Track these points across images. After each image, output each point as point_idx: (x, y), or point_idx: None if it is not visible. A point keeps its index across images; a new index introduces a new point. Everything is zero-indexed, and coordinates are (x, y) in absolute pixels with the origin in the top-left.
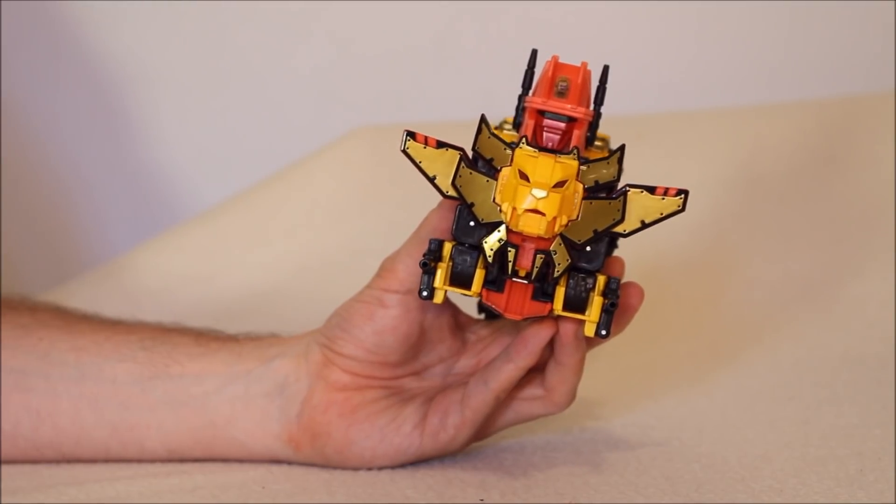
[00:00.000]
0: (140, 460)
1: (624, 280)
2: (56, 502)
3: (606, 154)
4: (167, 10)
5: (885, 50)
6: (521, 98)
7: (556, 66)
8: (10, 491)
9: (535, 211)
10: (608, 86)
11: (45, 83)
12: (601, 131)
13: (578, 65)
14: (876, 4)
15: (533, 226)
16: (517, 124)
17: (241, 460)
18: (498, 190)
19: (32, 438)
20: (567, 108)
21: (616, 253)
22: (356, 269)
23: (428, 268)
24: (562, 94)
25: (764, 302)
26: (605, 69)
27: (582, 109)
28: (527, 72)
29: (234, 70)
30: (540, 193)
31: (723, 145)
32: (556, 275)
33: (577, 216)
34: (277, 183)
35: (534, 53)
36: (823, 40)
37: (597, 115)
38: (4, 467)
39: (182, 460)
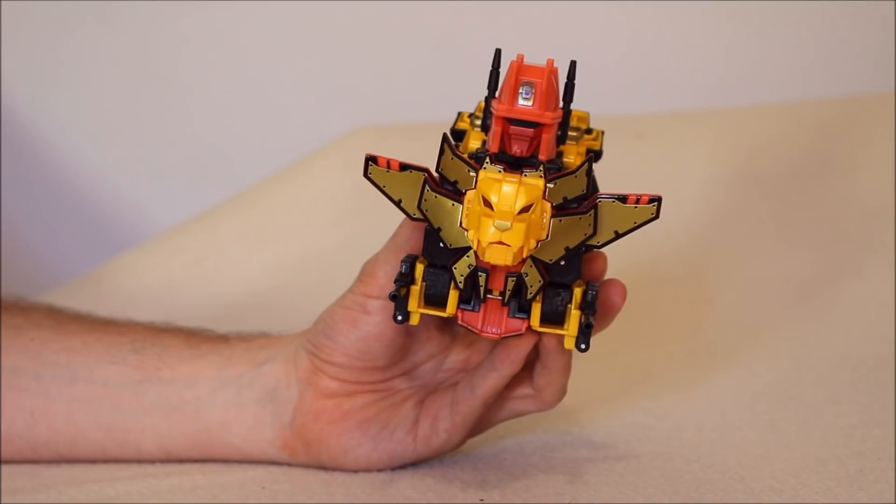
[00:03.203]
0: (138, 461)
1: (612, 276)
2: (56, 502)
3: (584, 139)
4: (168, 11)
5: (885, 50)
6: (488, 100)
7: (520, 68)
8: (11, 491)
9: (500, 243)
10: (608, 83)
11: (45, 84)
12: (581, 112)
13: (544, 64)
14: (876, 4)
15: (499, 257)
16: (485, 127)
17: (238, 462)
18: (464, 214)
19: (27, 438)
20: (533, 114)
21: (611, 251)
22: (355, 269)
23: (398, 298)
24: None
25: (764, 302)
26: (573, 65)
27: (549, 115)
28: (492, 72)
29: (235, 70)
30: (504, 225)
31: (722, 145)
32: (528, 296)
33: (547, 236)
34: (277, 183)
35: (497, 53)
36: (823, 40)
37: (566, 112)
38: (4, 467)
39: (180, 462)
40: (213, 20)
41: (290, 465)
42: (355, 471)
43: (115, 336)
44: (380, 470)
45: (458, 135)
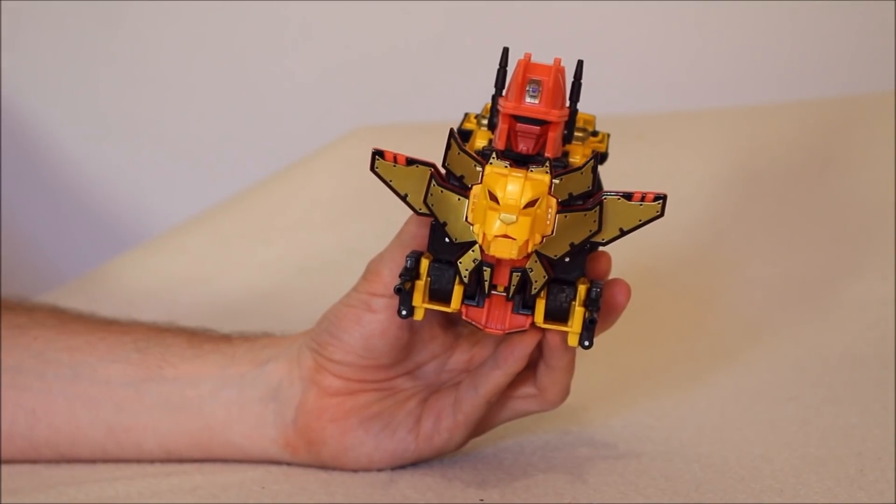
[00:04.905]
0: (138, 461)
1: (613, 276)
2: (56, 502)
3: (590, 141)
4: (169, 11)
5: (885, 50)
6: (494, 98)
7: (527, 66)
8: (10, 491)
9: (506, 236)
10: (608, 83)
11: (45, 84)
12: (588, 115)
13: (551, 62)
14: (876, 4)
15: (504, 251)
16: (492, 126)
17: (239, 461)
18: (469, 209)
19: (29, 437)
20: (540, 112)
21: (612, 251)
22: (356, 268)
23: (402, 292)
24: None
25: (763, 302)
26: (580, 64)
27: (555, 112)
28: (499, 71)
29: (235, 70)
30: (509, 218)
31: (722, 145)
32: (533, 292)
33: (552, 231)
34: (277, 183)
35: (505, 52)
36: (823, 40)
37: (573, 111)
38: (4, 467)
39: (180, 461)
40: (214, 20)
41: (291, 463)
42: (356, 469)
43: (118, 335)
44: (380, 469)
45: (465, 135)
